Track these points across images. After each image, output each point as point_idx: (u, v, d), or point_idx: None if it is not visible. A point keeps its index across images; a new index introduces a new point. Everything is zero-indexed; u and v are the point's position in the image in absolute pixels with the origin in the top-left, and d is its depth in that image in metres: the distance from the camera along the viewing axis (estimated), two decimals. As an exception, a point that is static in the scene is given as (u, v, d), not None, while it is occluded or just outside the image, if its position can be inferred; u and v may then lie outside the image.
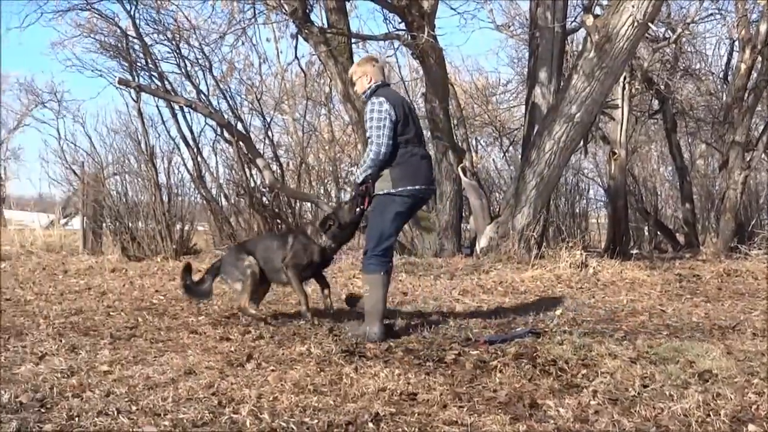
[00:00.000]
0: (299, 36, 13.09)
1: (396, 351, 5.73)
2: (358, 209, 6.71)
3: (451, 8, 16.02)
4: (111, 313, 7.47)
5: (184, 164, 13.84)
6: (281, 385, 4.64)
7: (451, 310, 7.61)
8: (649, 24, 10.79)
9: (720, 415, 4.18)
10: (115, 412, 4.11)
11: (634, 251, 15.67)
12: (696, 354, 5.57)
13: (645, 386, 4.73)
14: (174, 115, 13.75)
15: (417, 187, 6.40)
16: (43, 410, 4.19)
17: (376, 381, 4.74)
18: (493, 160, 21.15)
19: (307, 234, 7.08)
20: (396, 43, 13.89)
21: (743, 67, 15.70)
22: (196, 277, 7.30)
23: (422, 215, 12.51)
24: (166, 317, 7.19)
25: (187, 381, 4.72)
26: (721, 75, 19.44)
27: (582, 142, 15.27)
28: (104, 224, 13.99)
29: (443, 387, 4.68)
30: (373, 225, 6.50)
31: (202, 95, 13.89)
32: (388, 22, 13.53)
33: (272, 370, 5.02)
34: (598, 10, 11.97)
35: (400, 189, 6.36)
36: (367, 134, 6.46)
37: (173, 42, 13.97)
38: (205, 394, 4.47)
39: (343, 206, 7.10)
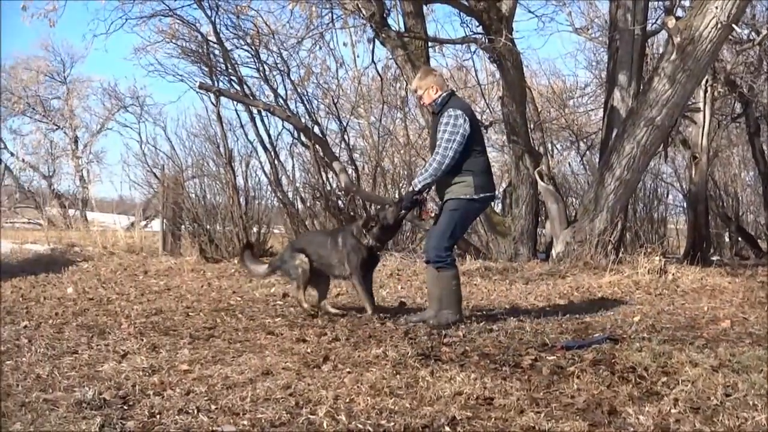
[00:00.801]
0: (376, 40, 13.13)
1: (472, 355, 5.70)
2: (402, 212, 7.27)
3: (529, 11, 15.92)
4: (190, 314, 7.60)
5: (262, 167, 14.03)
6: (357, 387, 4.66)
7: (527, 315, 7.54)
8: (733, 25, 10.55)
9: (807, 425, 4.06)
10: (195, 411, 4.18)
11: (715, 258, 15.33)
12: (781, 363, 5.42)
13: (728, 395, 4.62)
14: (252, 119, 13.92)
15: (490, 194, 7.10)
16: (125, 407, 4.28)
17: (452, 385, 4.72)
18: (570, 164, 20.94)
19: (353, 233, 7.40)
20: (473, 47, 13.83)
21: (829, 69, 15.26)
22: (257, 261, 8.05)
23: (498, 220, 12.46)
24: (244, 318, 7.29)
25: (265, 381, 4.77)
26: (808, 77, 18.89)
27: (662, 147, 14.98)
28: (183, 226, 14.24)
29: (520, 392, 4.64)
30: (446, 224, 6.94)
31: (280, 99, 14.03)
32: (465, 25, 13.47)
33: (348, 372, 5.04)
34: (679, 12, 11.78)
35: (481, 195, 6.93)
36: (438, 143, 6.76)
37: (252, 47, 14.14)
38: (282, 394, 4.52)
39: (387, 209, 7.46)
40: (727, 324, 7.30)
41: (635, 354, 5.65)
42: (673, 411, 4.32)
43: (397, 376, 4.97)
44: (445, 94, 7.09)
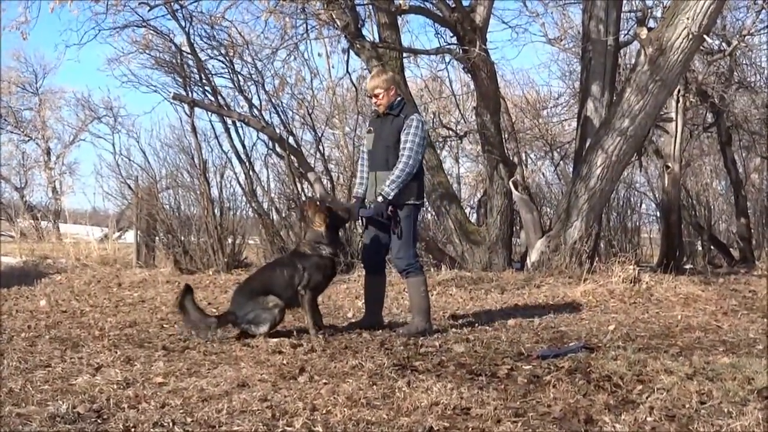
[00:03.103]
0: (351, 51, 13.13)
1: (448, 365, 5.71)
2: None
3: (503, 22, 15.93)
4: (164, 326, 7.57)
5: (236, 178, 13.96)
6: (334, 398, 4.65)
7: (503, 324, 7.56)
8: (705, 36, 10.65)
9: (783, 433, 4.10)
10: (171, 424, 4.15)
11: (688, 266, 15.44)
12: (754, 370, 5.46)
13: (702, 403, 4.65)
14: (227, 130, 13.86)
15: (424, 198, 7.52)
16: (99, 421, 4.25)
17: (429, 395, 4.72)
18: (544, 174, 21.02)
19: (307, 251, 6.99)
20: (447, 57, 13.88)
21: (800, 79, 15.44)
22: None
23: (472, 229, 12.48)
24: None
25: (241, 393, 4.75)
26: (777, 87, 19.11)
27: (635, 156, 15.08)
28: (157, 238, 14.16)
29: (496, 402, 4.65)
30: (407, 232, 7.02)
31: (255, 110, 13.98)
32: (439, 36, 13.49)
33: (325, 384, 5.03)
34: (651, 23, 11.86)
35: (422, 200, 7.32)
36: (403, 148, 6.90)
37: (227, 57, 14.09)
38: (258, 406, 4.50)
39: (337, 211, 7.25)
40: (700, 332, 7.37)
41: (611, 363, 5.69)
42: (648, 419, 4.35)
43: (374, 386, 4.96)
44: (400, 98, 7.24)
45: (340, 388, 4.86)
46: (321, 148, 15.05)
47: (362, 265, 7.89)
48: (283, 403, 4.57)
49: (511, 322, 7.72)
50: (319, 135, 15.12)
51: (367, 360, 5.70)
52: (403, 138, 6.90)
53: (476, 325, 7.53)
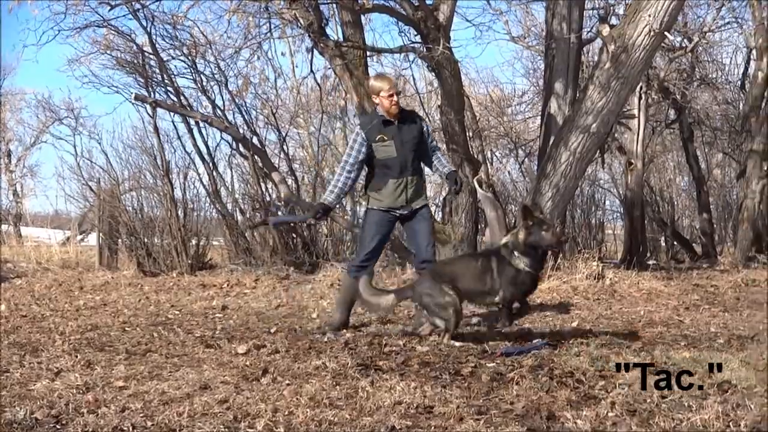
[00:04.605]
0: (314, 50, 13.09)
1: (412, 364, 5.70)
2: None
3: (467, 20, 15.94)
4: (126, 329, 7.48)
5: (200, 179, 13.88)
6: (297, 399, 4.62)
7: (467, 322, 7.56)
8: (666, 33, 10.72)
9: (740, 426, 4.13)
10: (131, 428, 4.11)
11: (651, 262, 15.57)
12: (715, 364, 5.51)
13: (663, 397, 4.68)
14: (190, 131, 13.78)
15: None
16: (58, 426, 4.19)
17: (392, 394, 4.71)
18: (509, 171, 21.10)
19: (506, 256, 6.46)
20: (411, 56, 13.85)
21: (761, 75, 15.63)
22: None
23: (438, 228, 12.46)
24: (182, 332, 7.20)
25: (203, 396, 4.71)
26: (738, 84, 19.35)
27: (598, 153, 15.19)
28: (120, 240, 14.04)
29: (460, 399, 4.64)
30: (431, 230, 7.39)
31: (218, 110, 13.91)
32: (403, 35, 13.45)
33: (288, 385, 5.00)
34: (614, 20, 11.95)
35: None
36: (439, 149, 7.46)
37: (189, 57, 14.00)
38: (220, 409, 4.46)
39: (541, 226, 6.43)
40: (662, 327, 7.43)
41: (573, 359, 5.72)
42: (610, 414, 4.36)
43: (337, 387, 4.94)
44: None
45: (303, 389, 4.83)
46: (285, 147, 15.01)
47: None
48: (245, 404, 4.53)
49: (475, 319, 7.73)
50: (284, 135, 15.07)
51: (331, 360, 5.67)
52: (430, 140, 7.30)
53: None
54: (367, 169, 7.24)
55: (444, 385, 5.00)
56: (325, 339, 6.77)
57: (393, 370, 5.46)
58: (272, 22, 13.18)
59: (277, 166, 13.80)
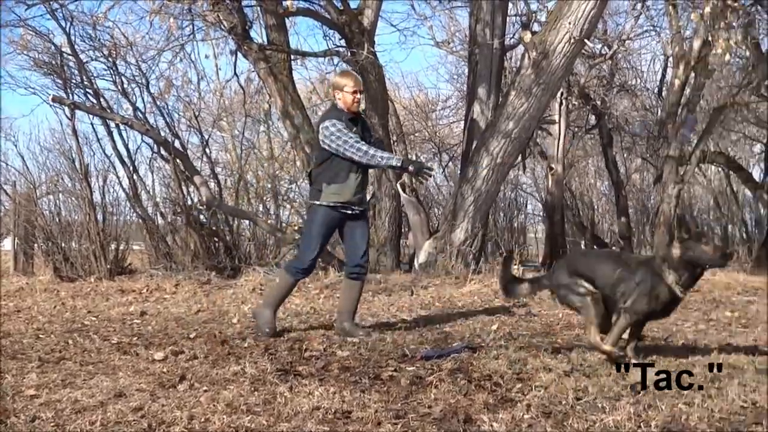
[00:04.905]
0: (238, 53, 13.01)
1: (332, 369, 5.67)
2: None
3: (391, 25, 16.08)
4: (40, 336, 7.29)
5: (120, 183, 13.61)
6: (213, 405, 4.56)
7: (389, 326, 7.58)
8: (586, 41, 10.94)
9: (651, 426, 4.22)
10: (40, 437, 4.01)
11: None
12: (630, 365, 5.62)
13: (578, 399, 4.75)
14: (109, 133, 13.51)
15: None
16: (-37, 437, 4.07)
17: (310, 400, 4.69)
18: (433, 175, 21.22)
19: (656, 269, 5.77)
20: (336, 60, 13.87)
21: (677, 82, 15.95)
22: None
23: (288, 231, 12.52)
24: (98, 339, 7.04)
25: (117, 404, 4.62)
26: (655, 90, 19.81)
27: (520, 158, 15.40)
28: (36, 245, 13.71)
29: (378, 404, 4.64)
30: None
31: (139, 112, 13.68)
32: (327, 38, 13.48)
33: (205, 391, 4.93)
34: (536, 27, 12.11)
35: None
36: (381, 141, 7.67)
37: (109, 59, 13.74)
38: (134, 417, 4.38)
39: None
40: (580, 330, 7.52)
41: (492, 362, 5.76)
42: (525, 416, 4.41)
43: (255, 393, 4.89)
44: None
45: (220, 395, 4.78)
46: (208, 151, 14.83)
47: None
48: (160, 412, 4.46)
49: (397, 323, 7.74)
50: (206, 138, 14.90)
51: (250, 366, 5.62)
52: (376, 136, 7.57)
53: (363, 327, 7.52)
54: (323, 164, 7.11)
55: (363, 390, 4.99)
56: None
57: (313, 375, 5.44)
58: (195, 24, 13.05)
59: (199, 169, 13.63)
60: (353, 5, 12.40)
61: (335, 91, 7.17)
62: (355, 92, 7.07)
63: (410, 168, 7.06)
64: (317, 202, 7.08)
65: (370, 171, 7.41)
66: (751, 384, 5.12)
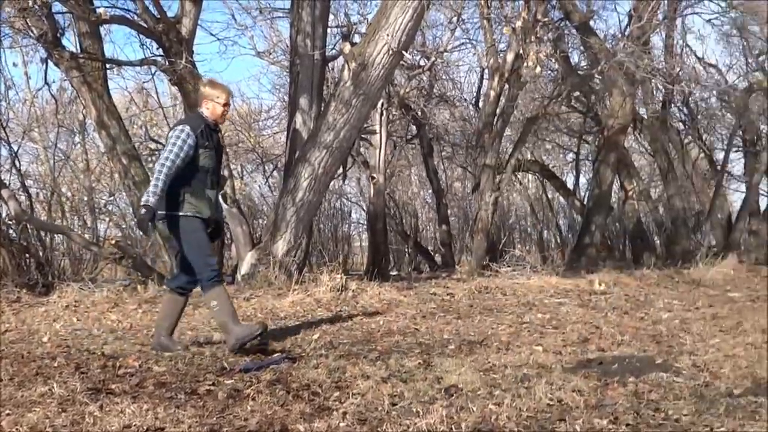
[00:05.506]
0: (49, 61, 12.50)
1: (147, 385, 5.52)
2: None
3: (211, 34, 15.95)
4: None
5: None
6: (16, 429, 4.35)
7: (209, 339, 7.45)
8: (404, 52, 11.16)
9: (462, 427, 4.35)
10: None
11: (393, 273, 16.10)
12: (444, 370, 5.80)
13: (394, 404, 4.85)
14: None
15: None
16: None
17: (121, 418, 4.55)
18: (259, 186, 21.15)
19: None
20: (153, 69, 13.57)
21: (492, 94, 16.56)
22: None
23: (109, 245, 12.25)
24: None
25: None
26: (473, 101, 20.51)
27: (342, 168, 15.54)
28: None
29: (192, 419, 4.57)
30: None
31: (-59, 123, 12.95)
32: (145, 47, 13.18)
33: (8, 414, 4.69)
34: (357, 39, 12.26)
35: None
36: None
37: None
38: (-73, 446, 4.12)
39: None
40: (399, 336, 7.68)
41: (311, 371, 5.78)
42: (341, 424, 4.45)
43: (63, 413, 4.69)
44: None
45: (24, 418, 4.55)
46: (17, 163, 14.15)
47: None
48: (-43, 440, 4.22)
49: (217, 336, 7.62)
50: (15, 149, 14.22)
51: (59, 386, 5.38)
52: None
53: (181, 341, 7.36)
54: (181, 175, 6.71)
55: (178, 405, 4.90)
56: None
57: (126, 393, 5.27)
58: (2, 31, 12.45)
59: (7, 182, 12.97)
60: (171, 14, 12.17)
61: (204, 100, 6.92)
62: (226, 104, 6.92)
63: (138, 214, 6.80)
64: (182, 212, 6.73)
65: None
66: (557, 383, 5.38)
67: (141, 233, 6.75)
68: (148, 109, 17.31)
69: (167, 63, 11.87)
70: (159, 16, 11.74)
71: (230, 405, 4.94)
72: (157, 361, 6.38)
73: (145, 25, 12.03)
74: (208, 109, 6.90)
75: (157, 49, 12.45)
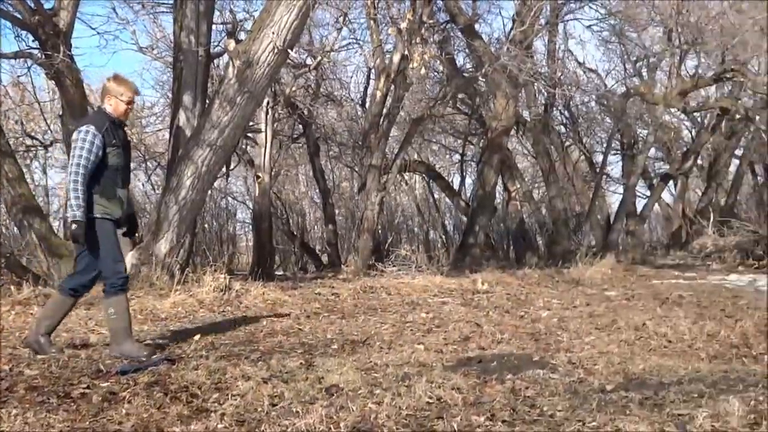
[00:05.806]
0: None
1: (18, 390, 5.31)
2: None
3: (91, 28, 15.37)
4: None
5: None
6: None
7: (85, 341, 7.25)
8: (289, 51, 11.09)
9: (341, 427, 4.35)
10: None
11: (279, 273, 16.02)
12: (326, 369, 5.79)
13: (274, 405, 4.81)
14: None
15: None
16: None
17: (-12, 425, 4.38)
18: (142, 184, 20.69)
19: None
20: (29, 62, 13.11)
21: (379, 94, 16.64)
22: None
23: (59, 242, 11.84)
24: None
25: None
26: (360, 101, 20.58)
27: (225, 167, 15.36)
28: None
29: (64, 423, 4.43)
30: None
31: None
32: (20, 39, 12.69)
33: None
34: (243, 36, 12.12)
35: None
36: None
37: None
38: None
39: None
40: (283, 336, 7.64)
41: (191, 373, 5.68)
42: (219, 426, 4.40)
43: None
44: None
45: None
46: None
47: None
48: None
49: (94, 338, 7.43)
50: None
51: None
52: None
53: (56, 343, 7.13)
54: (91, 175, 6.42)
55: (50, 410, 4.74)
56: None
57: (-6, 399, 5.08)
58: None
59: None
60: (48, 6, 11.78)
61: (107, 96, 6.63)
62: (130, 101, 6.68)
63: (70, 230, 6.54)
64: (93, 214, 6.53)
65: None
66: (438, 381, 5.44)
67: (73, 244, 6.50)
68: (24, 104, 16.72)
69: (44, 56, 11.47)
70: (35, 8, 11.35)
71: (105, 408, 4.81)
72: (29, 365, 6.15)
73: (19, 17, 11.61)
74: (111, 106, 6.65)
75: (33, 41, 12.03)
